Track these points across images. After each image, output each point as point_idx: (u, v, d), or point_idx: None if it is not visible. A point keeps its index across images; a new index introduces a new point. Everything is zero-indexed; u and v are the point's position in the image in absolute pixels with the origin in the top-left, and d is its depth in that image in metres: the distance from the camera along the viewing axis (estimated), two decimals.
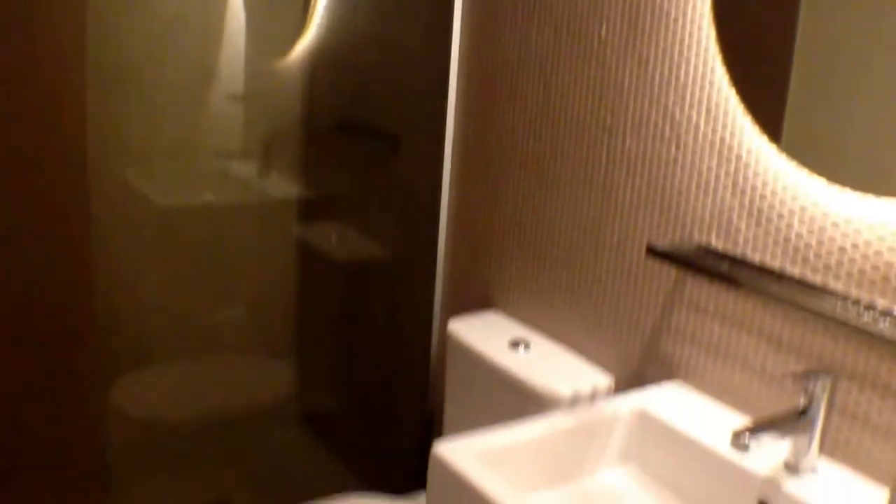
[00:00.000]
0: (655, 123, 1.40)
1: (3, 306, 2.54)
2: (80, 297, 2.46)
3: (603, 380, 1.54)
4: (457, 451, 1.16)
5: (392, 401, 2.31)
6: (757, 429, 1.07)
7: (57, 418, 2.64)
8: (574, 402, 1.49)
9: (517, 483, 1.23)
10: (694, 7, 1.31)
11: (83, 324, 2.45)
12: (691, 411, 1.31)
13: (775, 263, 1.22)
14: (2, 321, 2.55)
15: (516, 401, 1.55)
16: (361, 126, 2.32)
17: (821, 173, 1.14)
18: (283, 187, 2.52)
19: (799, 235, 1.18)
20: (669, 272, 1.40)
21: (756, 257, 1.25)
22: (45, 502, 2.50)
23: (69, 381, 2.61)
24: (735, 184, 1.27)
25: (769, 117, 1.20)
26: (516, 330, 1.73)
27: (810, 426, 1.12)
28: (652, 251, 1.35)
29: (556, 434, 1.26)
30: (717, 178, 1.30)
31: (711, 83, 1.29)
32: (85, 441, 2.49)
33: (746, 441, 1.05)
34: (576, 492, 1.28)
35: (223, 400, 2.37)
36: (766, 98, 1.21)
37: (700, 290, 1.35)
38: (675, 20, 1.34)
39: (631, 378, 1.51)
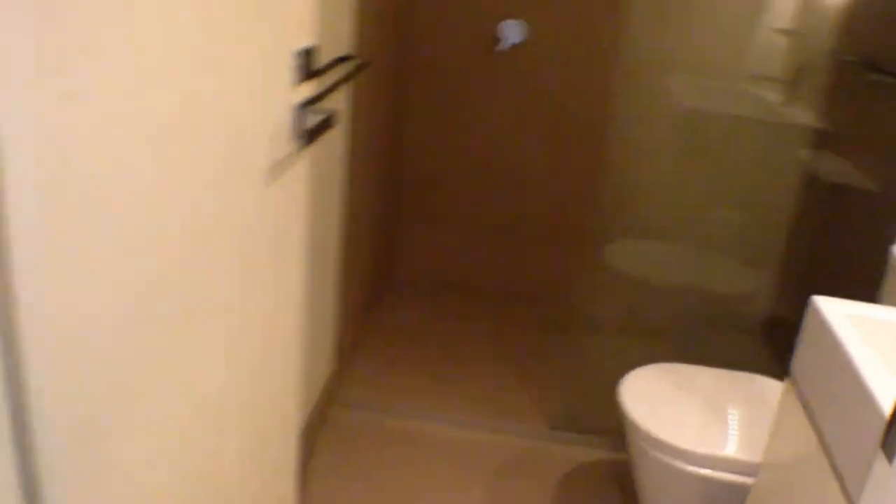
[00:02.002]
0: None
1: (540, 172, 3.14)
2: (600, 171, 2.94)
3: None
4: (831, 306, 1.32)
5: None
6: None
7: (561, 262, 3.21)
8: None
9: (888, 360, 1.32)
10: None
11: (598, 191, 2.92)
12: None
13: None
14: (534, 182, 3.16)
15: None
16: (888, 65, 2.36)
17: None
18: (802, 115, 2.67)
19: None
20: None
21: None
22: (524, 326, 3.13)
23: (578, 234, 3.15)
24: None
25: None
26: None
27: None
28: None
29: None
30: None
31: None
32: (575, 284, 3.02)
33: None
34: None
35: (693, 286, 2.67)
36: None
37: None
38: None
39: None
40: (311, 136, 1.35)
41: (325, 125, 1.39)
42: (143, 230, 0.83)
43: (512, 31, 2.94)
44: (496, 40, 2.98)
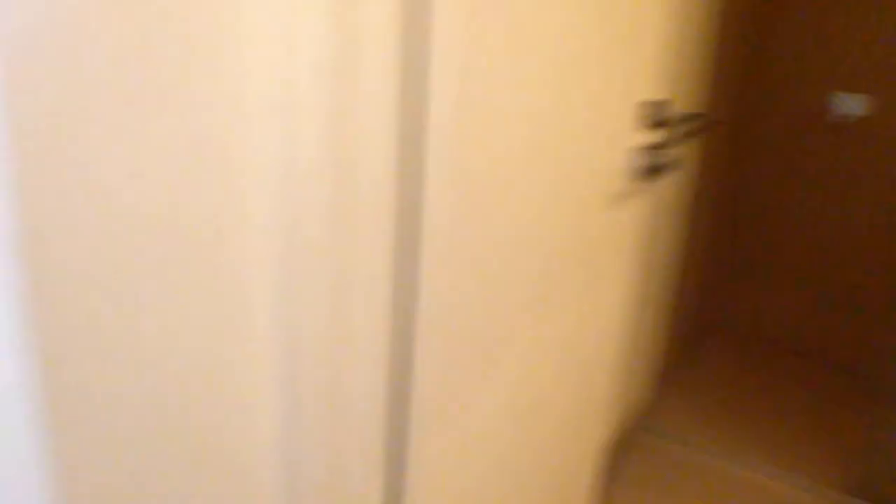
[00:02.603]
0: None
1: (868, 243, 3.07)
2: None
3: None
4: None
5: None
6: None
7: (878, 332, 3.09)
8: None
9: None
10: None
11: None
12: None
13: None
14: (860, 252, 3.08)
15: None
16: None
17: None
18: None
19: None
20: None
21: None
22: (834, 389, 3.04)
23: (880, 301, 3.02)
24: None
25: None
26: None
27: None
28: None
29: None
30: None
31: None
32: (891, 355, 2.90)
33: None
34: None
35: None
36: None
37: None
38: None
39: None
40: (649, 177, 1.52)
41: (664, 170, 1.56)
42: (512, 232, 1.06)
43: (847, 105, 2.91)
44: (831, 112, 2.96)
